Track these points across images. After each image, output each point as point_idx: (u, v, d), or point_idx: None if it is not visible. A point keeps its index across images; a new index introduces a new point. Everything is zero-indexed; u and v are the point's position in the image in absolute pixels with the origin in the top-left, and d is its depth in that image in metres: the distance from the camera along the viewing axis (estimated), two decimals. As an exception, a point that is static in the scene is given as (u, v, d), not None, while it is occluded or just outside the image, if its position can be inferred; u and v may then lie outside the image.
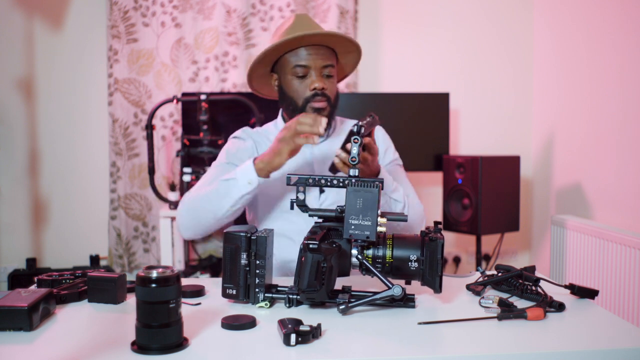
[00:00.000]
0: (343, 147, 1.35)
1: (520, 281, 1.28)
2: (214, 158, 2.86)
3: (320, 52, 1.57)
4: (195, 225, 1.54)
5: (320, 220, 1.24)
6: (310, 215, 1.24)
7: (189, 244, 3.28)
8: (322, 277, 1.14)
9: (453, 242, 3.50)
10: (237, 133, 1.75)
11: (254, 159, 1.46)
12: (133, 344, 0.98)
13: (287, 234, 1.62)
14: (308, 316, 1.14)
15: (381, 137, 1.76)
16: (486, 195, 2.89)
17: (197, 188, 1.58)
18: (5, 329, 1.05)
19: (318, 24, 1.61)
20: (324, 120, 1.33)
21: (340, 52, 1.65)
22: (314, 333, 1.01)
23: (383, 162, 1.71)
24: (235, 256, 1.22)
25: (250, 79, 1.66)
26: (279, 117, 1.76)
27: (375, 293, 1.16)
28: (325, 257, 1.13)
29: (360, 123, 1.25)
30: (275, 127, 1.75)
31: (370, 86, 3.39)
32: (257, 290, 1.22)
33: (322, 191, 1.65)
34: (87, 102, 3.28)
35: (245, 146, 1.69)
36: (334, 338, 1.03)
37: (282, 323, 1.03)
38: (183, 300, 1.17)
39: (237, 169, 1.49)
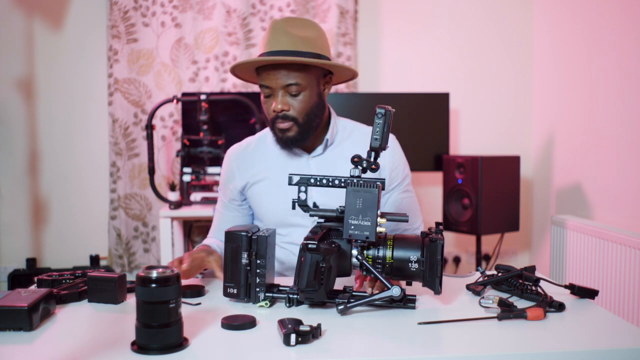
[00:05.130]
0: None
1: (520, 281, 1.28)
2: (214, 158, 2.90)
3: (280, 72, 1.47)
4: None
5: (322, 220, 1.24)
6: (311, 215, 1.24)
7: (189, 244, 3.28)
8: (320, 277, 1.14)
9: (453, 242, 3.50)
10: (231, 152, 1.70)
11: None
12: (133, 344, 0.98)
13: (285, 246, 1.62)
14: (308, 316, 1.14)
15: (389, 156, 1.63)
16: (486, 195, 2.88)
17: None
18: (5, 329, 1.05)
19: (291, 34, 1.48)
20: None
21: (338, 75, 1.58)
22: (314, 333, 1.01)
23: (388, 188, 1.63)
24: (237, 255, 1.22)
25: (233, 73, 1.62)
26: None
27: (375, 293, 1.16)
28: (324, 257, 1.13)
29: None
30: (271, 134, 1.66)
31: (370, 86, 3.39)
32: (257, 289, 1.22)
33: None
34: (87, 102, 3.28)
35: (232, 174, 1.66)
36: (334, 338, 1.03)
37: (282, 323, 1.03)
38: (183, 300, 1.17)
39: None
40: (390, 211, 1.56)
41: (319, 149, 1.61)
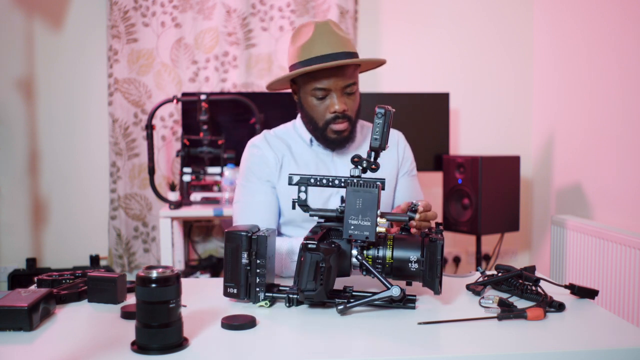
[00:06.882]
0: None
1: (520, 281, 1.28)
2: (214, 158, 2.90)
3: (340, 73, 1.50)
4: None
5: (322, 220, 1.24)
6: (311, 215, 1.24)
7: (189, 244, 3.28)
8: (320, 277, 1.14)
9: (453, 242, 3.50)
10: (256, 141, 1.65)
11: None
12: (133, 344, 0.98)
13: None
14: (308, 316, 1.14)
15: (402, 146, 1.75)
16: (486, 195, 2.88)
17: (237, 218, 1.58)
18: (5, 329, 1.05)
19: (339, 36, 1.52)
20: None
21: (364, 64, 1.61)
22: None
23: (401, 172, 1.73)
24: (237, 255, 1.22)
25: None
26: (298, 119, 1.68)
27: (375, 294, 1.16)
28: (324, 257, 1.13)
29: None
30: (295, 130, 1.67)
31: (370, 86, 3.39)
32: (257, 289, 1.22)
33: None
34: (87, 102, 3.28)
35: (266, 158, 1.61)
36: (334, 338, 1.03)
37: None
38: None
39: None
40: (402, 193, 1.69)
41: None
